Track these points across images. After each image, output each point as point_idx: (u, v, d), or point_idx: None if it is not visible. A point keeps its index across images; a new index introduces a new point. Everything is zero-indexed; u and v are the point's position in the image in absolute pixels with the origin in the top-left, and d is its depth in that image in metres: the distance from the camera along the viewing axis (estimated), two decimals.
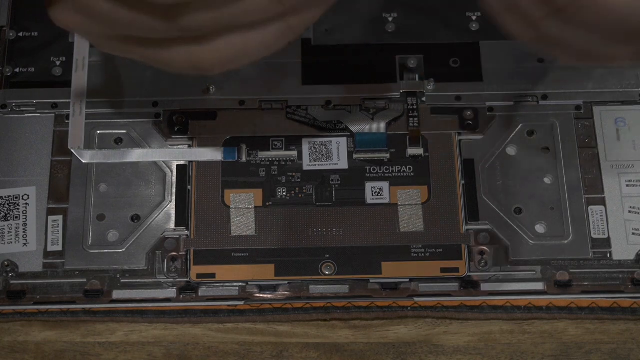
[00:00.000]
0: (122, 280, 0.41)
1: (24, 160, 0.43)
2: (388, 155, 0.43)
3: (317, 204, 0.42)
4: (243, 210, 0.42)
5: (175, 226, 0.42)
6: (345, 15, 0.46)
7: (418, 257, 0.41)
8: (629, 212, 0.42)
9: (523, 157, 0.43)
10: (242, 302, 0.41)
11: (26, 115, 0.44)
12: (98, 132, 0.44)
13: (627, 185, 0.43)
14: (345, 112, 0.44)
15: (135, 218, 0.42)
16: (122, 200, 0.43)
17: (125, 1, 0.26)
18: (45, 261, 0.42)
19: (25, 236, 0.42)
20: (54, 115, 0.44)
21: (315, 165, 0.43)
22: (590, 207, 0.42)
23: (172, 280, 0.41)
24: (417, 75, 0.45)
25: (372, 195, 0.43)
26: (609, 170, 0.43)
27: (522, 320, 0.41)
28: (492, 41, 0.46)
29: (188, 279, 0.41)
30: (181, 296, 0.41)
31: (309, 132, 0.44)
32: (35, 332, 0.41)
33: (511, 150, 0.43)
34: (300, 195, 0.43)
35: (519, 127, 0.44)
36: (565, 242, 0.42)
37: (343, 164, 0.43)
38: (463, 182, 0.43)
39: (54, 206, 0.42)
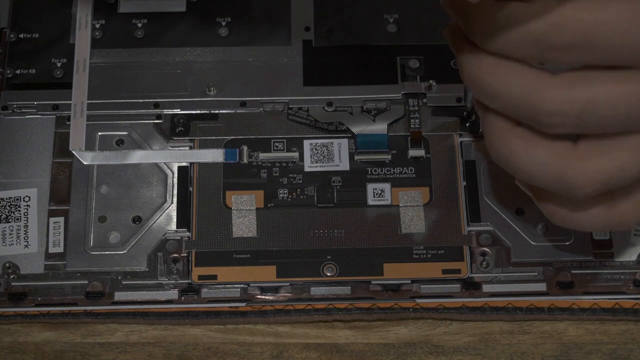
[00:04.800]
0: (123, 282, 0.41)
1: (25, 162, 0.43)
2: (389, 157, 0.43)
3: (319, 205, 0.42)
4: (244, 211, 0.42)
5: (177, 228, 0.42)
6: (346, 17, 0.46)
7: (419, 258, 0.41)
8: None
9: None
10: (243, 304, 0.41)
11: (27, 116, 0.44)
12: (99, 133, 0.44)
13: None
14: (346, 113, 0.44)
15: (137, 220, 0.42)
16: (123, 202, 0.43)
17: None
18: (46, 263, 0.41)
19: (26, 238, 0.42)
20: (55, 116, 0.44)
21: (316, 166, 0.43)
22: None
23: (173, 281, 0.41)
24: (418, 77, 0.45)
25: (374, 196, 0.43)
26: None
27: (523, 321, 0.41)
28: None
29: (189, 281, 0.41)
30: (183, 298, 0.41)
31: (310, 133, 0.44)
32: (35, 332, 0.41)
33: None
34: (301, 197, 0.43)
35: None
36: (567, 243, 0.42)
37: (344, 165, 0.43)
38: (464, 183, 0.43)
39: (55, 208, 0.42)
